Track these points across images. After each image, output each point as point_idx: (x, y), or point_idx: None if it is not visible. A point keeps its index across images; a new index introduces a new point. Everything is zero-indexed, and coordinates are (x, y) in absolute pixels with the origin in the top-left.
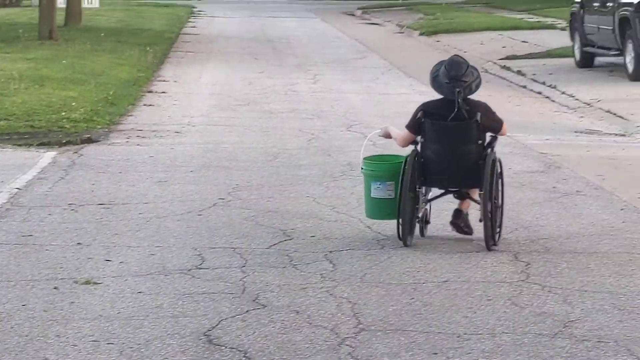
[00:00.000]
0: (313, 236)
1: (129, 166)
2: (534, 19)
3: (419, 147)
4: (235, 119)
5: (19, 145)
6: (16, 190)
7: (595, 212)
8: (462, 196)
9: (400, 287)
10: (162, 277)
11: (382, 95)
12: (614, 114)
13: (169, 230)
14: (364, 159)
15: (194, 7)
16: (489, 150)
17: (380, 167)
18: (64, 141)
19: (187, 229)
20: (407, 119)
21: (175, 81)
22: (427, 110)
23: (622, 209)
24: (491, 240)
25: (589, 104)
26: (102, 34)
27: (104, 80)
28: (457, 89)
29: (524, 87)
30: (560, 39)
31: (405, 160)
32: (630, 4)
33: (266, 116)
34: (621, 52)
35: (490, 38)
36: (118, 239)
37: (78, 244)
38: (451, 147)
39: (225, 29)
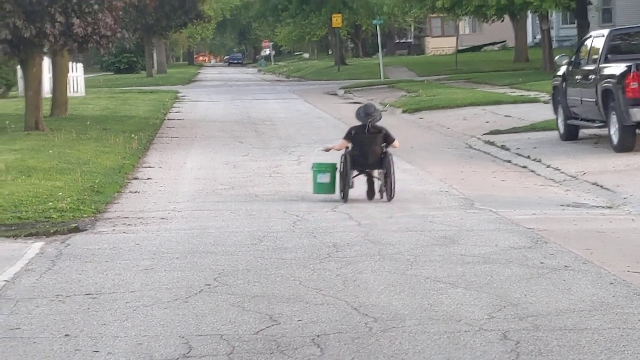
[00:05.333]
0: (300, 320)
1: (115, 255)
2: (517, 92)
3: (349, 149)
4: (221, 203)
5: (7, 236)
6: (3, 282)
7: (585, 287)
8: (369, 175)
9: None
10: None
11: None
12: (600, 186)
13: (155, 318)
14: (314, 163)
15: (178, 92)
16: (385, 150)
17: (323, 166)
18: (51, 231)
19: (174, 316)
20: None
21: (160, 167)
22: (355, 129)
23: (611, 283)
24: (391, 197)
25: (574, 177)
26: (88, 123)
27: (89, 169)
28: (369, 119)
29: (509, 161)
30: (543, 112)
31: (343, 157)
32: (612, 76)
33: (251, 199)
34: (605, 124)
35: (473, 113)
36: (105, 329)
37: (66, 335)
38: (368, 148)
39: (209, 113)
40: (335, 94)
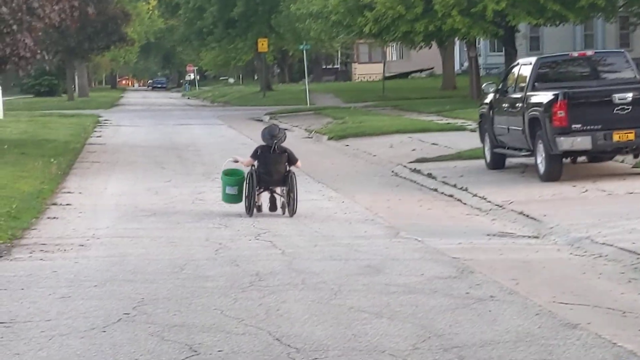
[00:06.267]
0: (220, 351)
1: (31, 282)
2: (444, 120)
3: (255, 167)
4: (141, 230)
5: None
6: None
7: (510, 317)
8: (272, 192)
9: None
10: None
11: None
12: (527, 216)
13: (71, 348)
14: (223, 172)
15: (100, 116)
16: (289, 169)
17: (231, 179)
18: None
19: (91, 346)
20: (317, 224)
21: (80, 193)
22: (261, 148)
23: (537, 314)
24: (293, 213)
25: (501, 206)
26: (5, 146)
27: (6, 194)
28: (275, 140)
29: (435, 190)
30: (470, 140)
31: (249, 174)
32: (540, 105)
33: (173, 226)
34: (532, 153)
35: (400, 141)
36: (19, 359)
37: None
38: (272, 167)
39: (131, 137)
40: (261, 120)
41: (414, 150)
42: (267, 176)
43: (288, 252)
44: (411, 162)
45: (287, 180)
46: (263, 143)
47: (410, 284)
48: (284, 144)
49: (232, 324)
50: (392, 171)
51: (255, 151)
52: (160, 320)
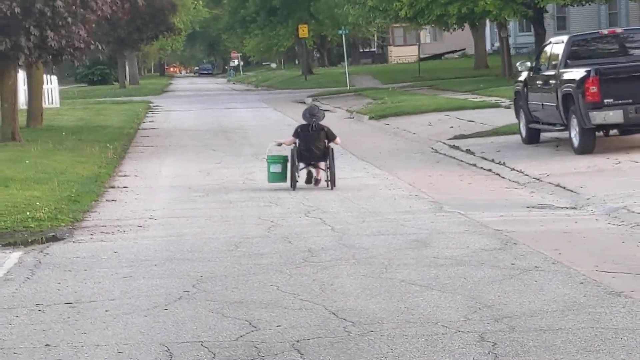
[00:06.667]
0: (279, 326)
1: (94, 263)
2: (478, 98)
3: (296, 145)
4: (196, 210)
5: None
6: None
7: (556, 287)
8: (315, 167)
9: None
10: None
11: (337, 180)
12: (564, 188)
13: (136, 326)
14: (268, 155)
15: (151, 102)
16: (329, 145)
17: (276, 158)
18: (30, 241)
19: (154, 324)
20: (364, 200)
21: (135, 176)
22: (301, 127)
23: (581, 283)
24: (333, 185)
25: (538, 179)
26: (63, 133)
27: (66, 179)
28: (313, 119)
29: (474, 165)
30: (505, 117)
31: (292, 151)
32: (572, 81)
33: (225, 206)
34: (566, 127)
35: (438, 119)
36: (86, 338)
37: (46, 345)
38: (312, 144)
39: (181, 122)
40: (303, 102)
41: (451, 127)
42: (308, 153)
43: (337, 228)
44: (450, 139)
45: (326, 156)
46: (304, 122)
47: (457, 256)
48: (323, 123)
49: (288, 299)
50: (432, 148)
51: (296, 130)
52: (220, 297)
